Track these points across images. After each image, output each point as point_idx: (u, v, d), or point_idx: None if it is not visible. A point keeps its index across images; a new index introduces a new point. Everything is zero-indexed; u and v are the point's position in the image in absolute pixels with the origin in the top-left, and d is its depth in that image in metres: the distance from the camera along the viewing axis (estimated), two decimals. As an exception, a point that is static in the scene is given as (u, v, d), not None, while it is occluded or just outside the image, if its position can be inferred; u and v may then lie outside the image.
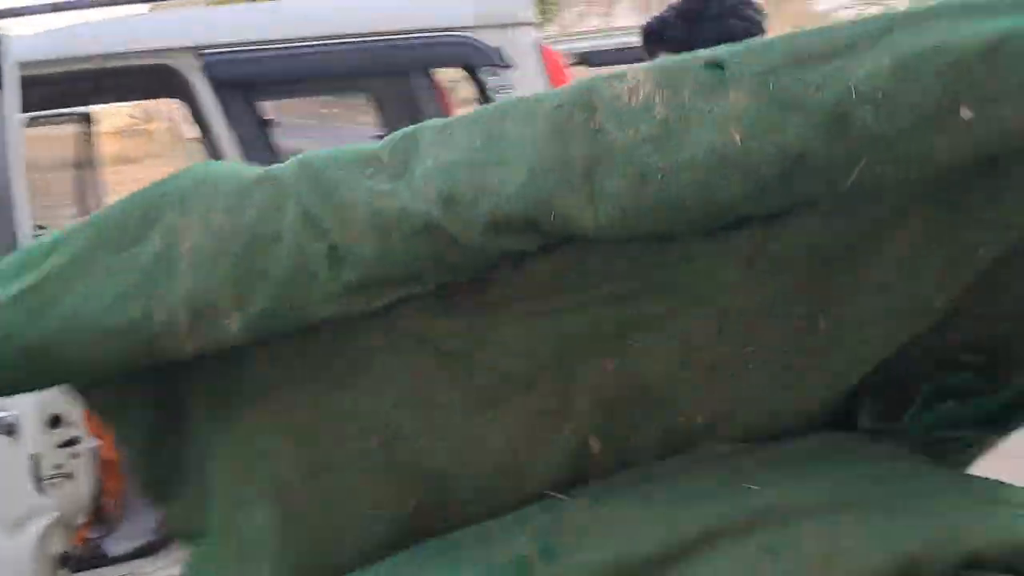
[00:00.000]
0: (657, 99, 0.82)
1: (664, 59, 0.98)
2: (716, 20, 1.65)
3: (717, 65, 0.82)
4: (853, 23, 0.82)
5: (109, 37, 2.54)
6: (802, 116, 0.79)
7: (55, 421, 1.79)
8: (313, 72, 2.68)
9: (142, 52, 2.53)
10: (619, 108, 0.84)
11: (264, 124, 2.63)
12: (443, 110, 3.72)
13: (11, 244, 1.78)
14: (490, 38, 2.72)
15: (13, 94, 1.93)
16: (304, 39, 2.63)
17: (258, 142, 2.57)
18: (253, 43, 2.60)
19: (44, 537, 1.80)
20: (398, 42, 2.72)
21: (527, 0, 2.86)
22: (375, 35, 2.71)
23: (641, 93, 0.83)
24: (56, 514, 1.80)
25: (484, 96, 2.76)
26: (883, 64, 0.77)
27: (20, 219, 1.84)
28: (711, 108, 0.81)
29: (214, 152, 2.59)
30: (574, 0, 13.26)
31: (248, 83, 2.59)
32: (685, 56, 0.86)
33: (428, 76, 3.30)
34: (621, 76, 0.86)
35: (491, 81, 2.75)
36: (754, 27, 1.65)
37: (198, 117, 2.68)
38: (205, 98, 2.53)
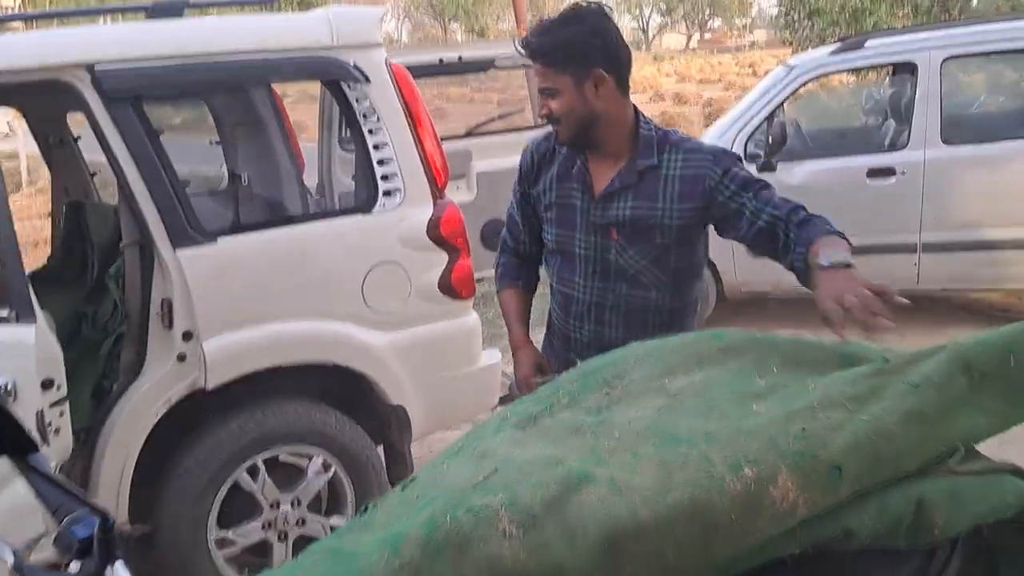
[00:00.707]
0: None
1: None
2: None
3: None
4: None
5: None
6: None
7: (48, 383, 2.08)
8: (197, 84, 3.04)
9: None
10: None
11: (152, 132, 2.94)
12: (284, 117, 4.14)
13: None
14: (347, 56, 3.19)
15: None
16: (188, 56, 2.97)
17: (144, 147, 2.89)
18: (140, 59, 2.92)
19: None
20: (269, 59, 3.13)
21: (375, 24, 3.36)
22: (249, 53, 3.10)
23: None
24: (54, 462, 2.08)
25: (347, 106, 3.24)
26: None
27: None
28: None
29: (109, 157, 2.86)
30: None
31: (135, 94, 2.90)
32: None
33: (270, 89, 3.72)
34: None
35: (351, 94, 3.23)
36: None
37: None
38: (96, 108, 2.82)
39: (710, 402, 1.54)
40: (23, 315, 2.15)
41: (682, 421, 1.49)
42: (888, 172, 5.57)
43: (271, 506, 3.12)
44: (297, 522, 3.18)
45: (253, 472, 3.08)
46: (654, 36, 72.01)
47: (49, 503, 1.12)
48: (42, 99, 3.55)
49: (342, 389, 3.30)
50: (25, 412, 2.09)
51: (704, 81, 32.41)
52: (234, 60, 3.06)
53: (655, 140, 2.08)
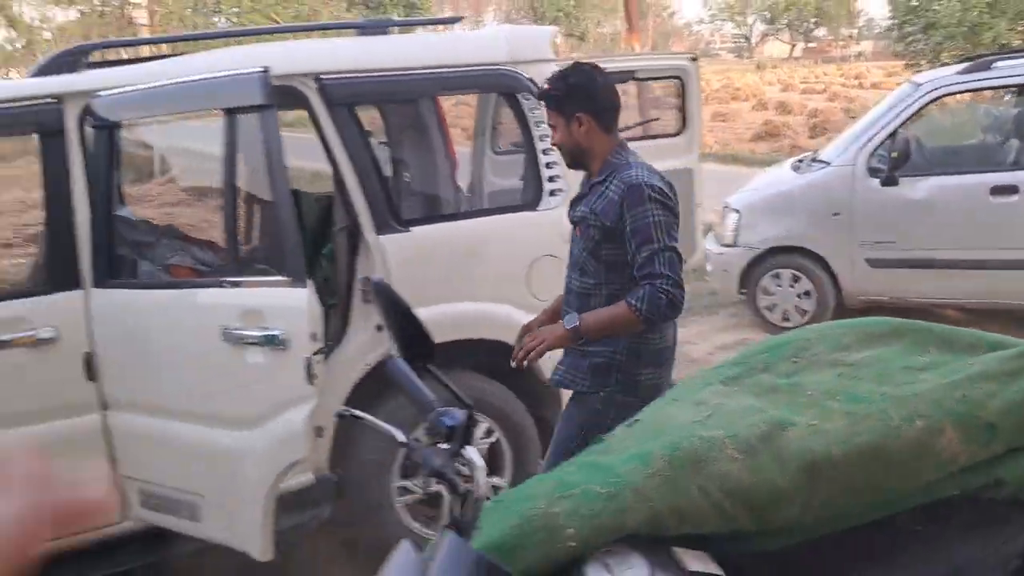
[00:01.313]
0: None
1: None
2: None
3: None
4: None
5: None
6: None
7: (313, 336, 2.56)
8: (400, 92, 3.51)
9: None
10: None
11: (364, 133, 3.41)
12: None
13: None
14: (523, 70, 3.61)
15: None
16: (394, 68, 3.43)
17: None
18: (355, 70, 3.39)
19: (311, 413, 2.56)
20: (457, 73, 3.56)
21: (546, 42, 3.76)
22: (443, 67, 3.54)
23: None
24: (315, 401, 2.56)
25: (520, 114, 3.65)
26: None
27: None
28: None
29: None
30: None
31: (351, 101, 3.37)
32: None
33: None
34: None
35: (525, 104, 3.64)
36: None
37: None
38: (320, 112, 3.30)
39: (882, 372, 1.89)
40: (296, 279, 2.63)
41: (861, 385, 1.85)
42: (1012, 190, 5.72)
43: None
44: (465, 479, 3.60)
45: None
46: (757, 44, 71.09)
47: (427, 398, 1.54)
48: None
49: (507, 365, 3.71)
50: (296, 359, 2.57)
51: (808, 91, 32.03)
52: (431, 73, 3.50)
53: (613, 166, 2.59)
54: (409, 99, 4.05)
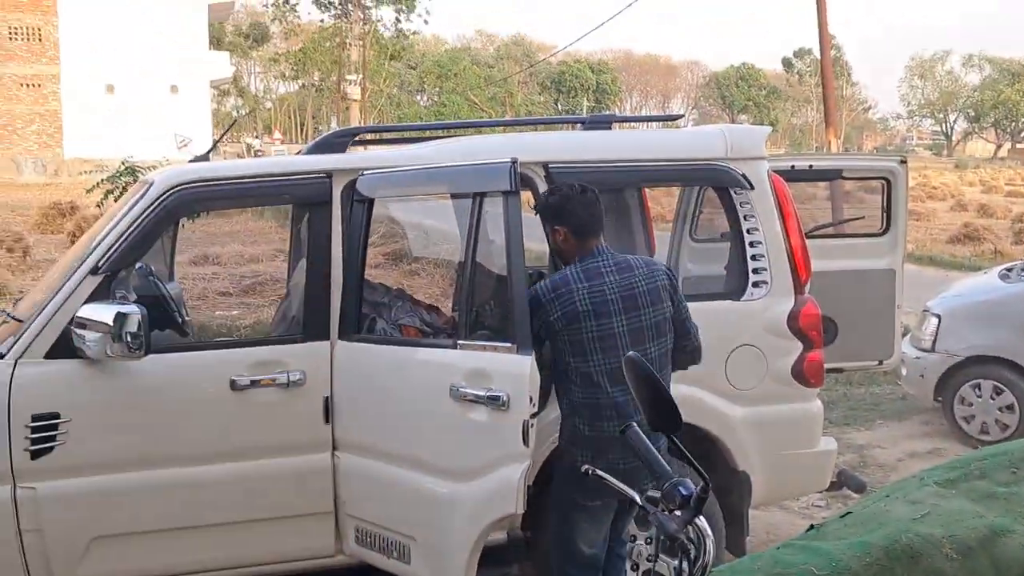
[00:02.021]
0: None
1: None
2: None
3: None
4: None
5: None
6: None
7: (531, 400, 2.82)
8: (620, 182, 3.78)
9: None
10: None
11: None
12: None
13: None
14: (737, 167, 3.78)
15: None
16: (615, 160, 3.71)
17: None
18: (579, 161, 3.68)
19: (525, 472, 2.80)
20: (675, 166, 3.79)
21: (761, 139, 3.93)
22: (661, 160, 3.78)
23: None
24: (529, 461, 2.80)
25: (731, 207, 3.81)
26: None
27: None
28: None
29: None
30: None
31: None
32: None
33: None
34: None
35: (736, 198, 3.80)
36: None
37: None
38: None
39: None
40: (523, 347, 2.90)
41: None
42: None
43: (630, 539, 3.67)
44: (648, 557, 3.71)
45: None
46: (957, 141, 67.90)
47: (664, 466, 1.72)
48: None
49: (696, 450, 3.82)
50: (515, 420, 2.82)
51: (1013, 194, 30.32)
52: (651, 165, 3.75)
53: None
54: (628, 187, 4.30)
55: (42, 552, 3.13)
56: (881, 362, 5.17)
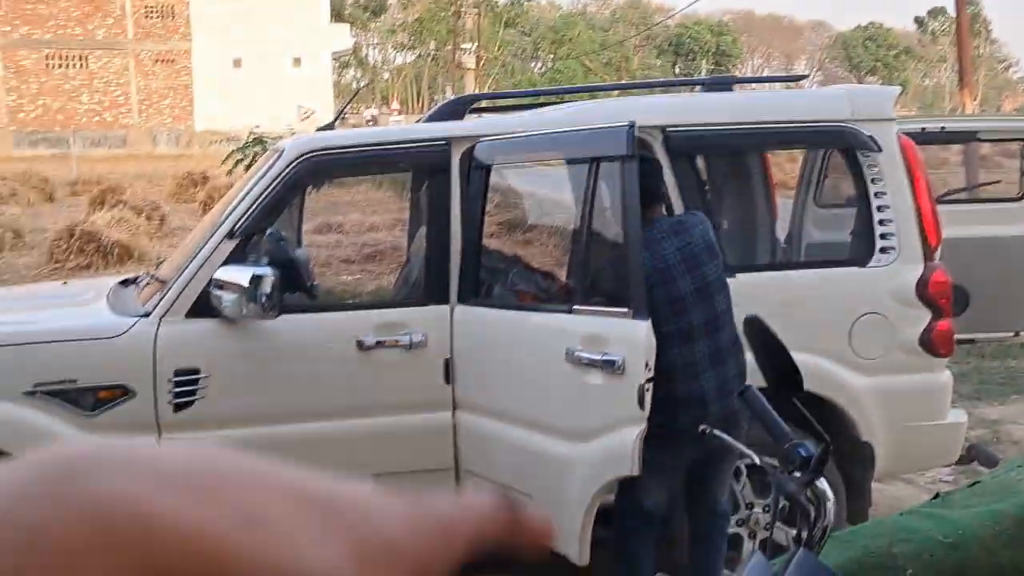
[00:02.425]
0: None
1: None
2: None
3: None
4: None
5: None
6: None
7: (646, 365, 2.83)
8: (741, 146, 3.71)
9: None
10: None
11: (702, 184, 3.64)
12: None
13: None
14: (865, 128, 3.65)
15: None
16: (737, 123, 3.64)
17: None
18: (698, 124, 3.63)
19: (641, 435, 2.83)
20: (798, 128, 3.69)
21: (889, 100, 3.78)
22: (784, 122, 3.69)
23: None
24: (645, 424, 2.82)
25: (858, 171, 3.69)
26: None
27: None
28: None
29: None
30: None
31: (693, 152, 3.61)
32: None
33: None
34: None
35: (863, 160, 3.68)
36: None
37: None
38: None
39: None
40: (639, 313, 2.91)
41: None
42: None
43: (747, 506, 3.65)
44: (765, 526, 3.68)
45: (737, 474, 3.62)
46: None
47: (783, 428, 1.72)
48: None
49: (818, 420, 3.74)
50: (631, 385, 2.84)
51: None
52: (772, 127, 3.67)
53: None
54: (749, 152, 4.23)
55: None
56: (1018, 333, 4.93)
